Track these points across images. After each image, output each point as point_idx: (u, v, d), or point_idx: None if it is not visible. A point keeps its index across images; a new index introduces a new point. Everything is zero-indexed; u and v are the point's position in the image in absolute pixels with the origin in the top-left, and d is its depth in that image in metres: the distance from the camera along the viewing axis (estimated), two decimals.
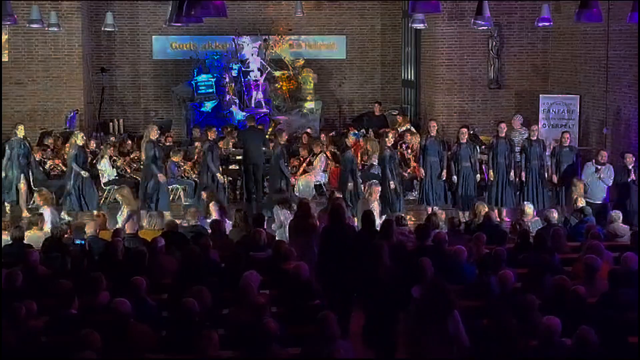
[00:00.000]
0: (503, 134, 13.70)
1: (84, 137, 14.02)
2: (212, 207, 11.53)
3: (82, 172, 13.24)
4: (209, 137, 14.00)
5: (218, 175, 13.67)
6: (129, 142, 16.34)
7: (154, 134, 13.30)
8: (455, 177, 13.47)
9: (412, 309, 6.30)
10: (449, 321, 6.04)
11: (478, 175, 13.64)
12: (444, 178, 13.52)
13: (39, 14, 15.15)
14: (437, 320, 6.04)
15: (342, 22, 20.47)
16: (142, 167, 13.95)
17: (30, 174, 14.00)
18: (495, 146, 13.66)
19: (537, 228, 10.30)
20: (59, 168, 14.93)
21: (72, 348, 5.87)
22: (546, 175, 13.61)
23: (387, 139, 13.23)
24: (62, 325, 6.72)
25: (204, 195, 12.50)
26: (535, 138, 13.69)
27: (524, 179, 13.57)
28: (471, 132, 14.99)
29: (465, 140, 13.60)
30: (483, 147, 15.18)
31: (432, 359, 6.00)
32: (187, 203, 14.30)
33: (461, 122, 16.97)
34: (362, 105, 20.48)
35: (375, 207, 11.65)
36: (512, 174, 13.53)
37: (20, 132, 13.84)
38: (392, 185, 12.91)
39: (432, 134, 13.78)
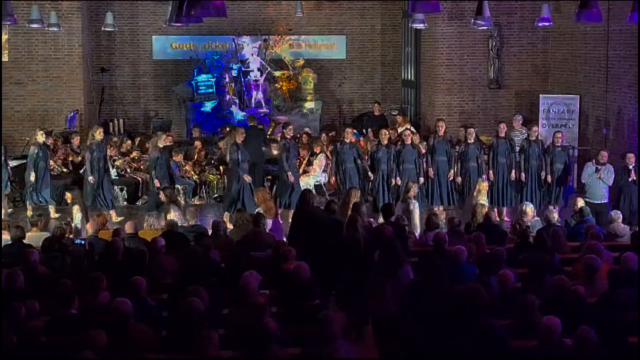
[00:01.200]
0: (503, 134, 13.74)
1: (167, 139, 13.82)
2: (75, 209, 11.64)
3: (155, 181, 13.09)
4: (286, 136, 13.63)
5: (289, 175, 13.34)
6: (129, 142, 16.33)
7: (240, 137, 13.27)
8: (459, 178, 13.50)
9: (374, 267, 7.88)
10: (401, 273, 7.60)
11: (484, 176, 13.64)
12: (451, 178, 13.55)
13: (39, 14, 15.15)
14: (392, 273, 7.61)
15: (342, 22, 20.47)
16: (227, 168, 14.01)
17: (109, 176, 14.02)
18: (495, 146, 13.70)
19: (537, 228, 10.30)
20: (59, 168, 14.92)
21: (77, 348, 5.86)
22: (544, 175, 13.64)
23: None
24: (62, 325, 6.72)
25: (67, 196, 12.45)
26: (534, 138, 13.72)
27: (523, 179, 13.60)
28: None
29: (472, 140, 13.63)
30: (484, 146, 15.18)
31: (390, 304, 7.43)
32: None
33: (461, 122, 17.02)
34: (362, 105, 20.49)
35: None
36: (512, 173, 13.56)
37: (99, 135, 13.64)
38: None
39: (440, 134, 13.83)
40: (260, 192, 12.04)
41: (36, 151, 13.72)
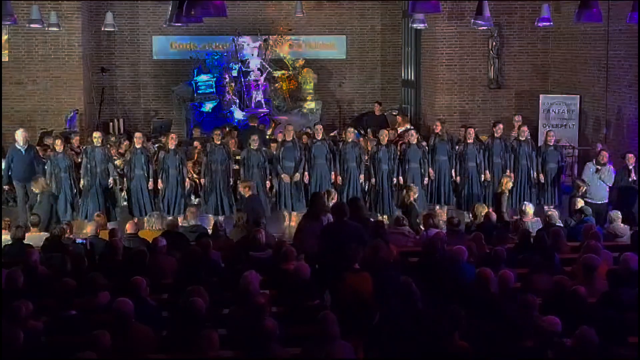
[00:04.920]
0: (499, 134, 13.72)
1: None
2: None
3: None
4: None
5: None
6: (127, 142, 16.29)
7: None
8: (458, 178, 13.50)
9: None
10: (321, 220, 9.01)
11: (482, 176, 13.63)
12: (452, 178, 13.56)
13: (39, 14, 15.12)
14: (315, 219, 9.06)
15: (342, 22, 20.47)
16: None
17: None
18: (490, 146, 13.67)
19: (537, 228, 10.30)
20: None
21: (80, 348, 5.86)
22: (534, 175, 13.65)
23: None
24: (62, 325, 6.72)
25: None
26: (524, 139, 13.71)
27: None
28: None
29: (472, 140, 13.63)
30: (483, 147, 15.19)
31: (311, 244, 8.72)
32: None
33: (461, 122, 17.03)
34: (362, 105, 20.48)
35: None
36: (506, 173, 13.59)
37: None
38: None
39: (439, 134, 13.83)
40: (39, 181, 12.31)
41: (162, 156, 13.21)
